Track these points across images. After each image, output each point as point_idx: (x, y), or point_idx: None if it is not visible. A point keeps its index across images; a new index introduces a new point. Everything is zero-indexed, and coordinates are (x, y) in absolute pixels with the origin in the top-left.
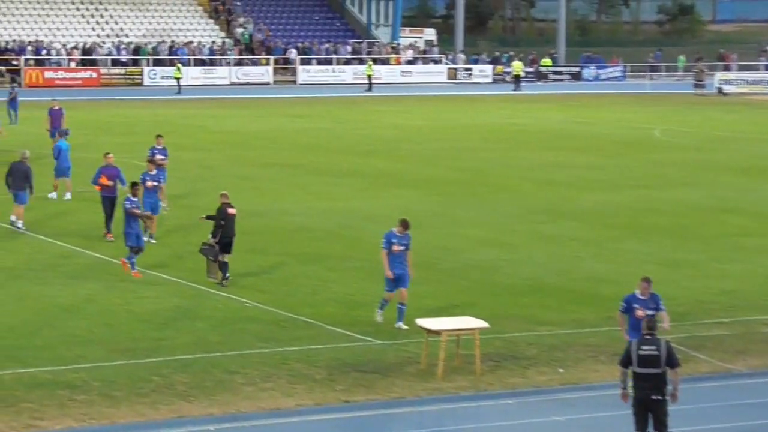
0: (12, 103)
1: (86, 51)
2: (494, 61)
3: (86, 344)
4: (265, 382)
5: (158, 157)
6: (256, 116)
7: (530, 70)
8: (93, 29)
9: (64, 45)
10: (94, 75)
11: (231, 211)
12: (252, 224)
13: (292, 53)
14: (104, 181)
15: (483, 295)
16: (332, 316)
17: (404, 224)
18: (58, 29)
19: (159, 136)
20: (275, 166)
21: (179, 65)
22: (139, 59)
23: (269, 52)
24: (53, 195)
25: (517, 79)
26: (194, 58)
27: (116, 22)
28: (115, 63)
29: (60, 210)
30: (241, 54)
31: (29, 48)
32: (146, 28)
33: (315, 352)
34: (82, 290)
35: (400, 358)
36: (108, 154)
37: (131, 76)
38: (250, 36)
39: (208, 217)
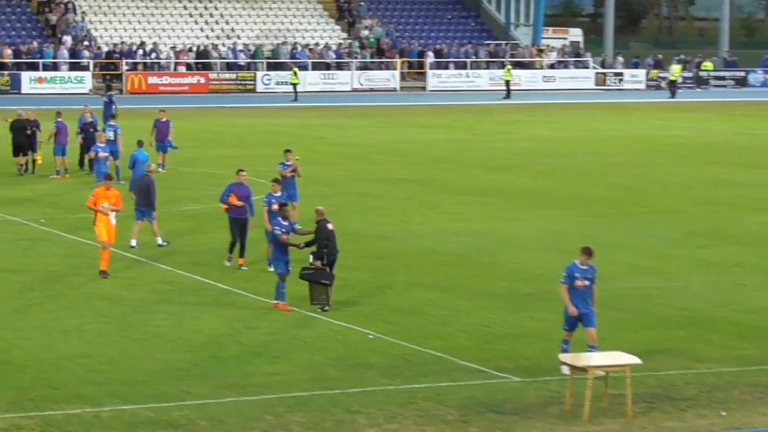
0: (107, 111)
1: (199, 54)
2: (656, 65)
3: (192, 379)
4: (389, 422)
5: (288, 172)
6: (381, 126)
7: (688, 74)
8: (201, 30)
9: (173, 47)
10: (203, 80)
11: (331, 227)
12: (375, 247)
13: (430, 56)
14: (233, 200)
15: (635, 328)
16: (465, 349)
17: (588, 252)
18: (164, 30)
19: (288, 150)
20: (402, 182)
21: (296, 69)
22: (255, 63)
23: (403, 55)
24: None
25: (673, 84)
26: (313, 62)
27: (227, 22)
28: (229, 67)
29: (165, 231)
30: (369, 57)
31: (140, 52)
32: (260, 29)
33: (446, 390)
34: (187, 320)
35: (541, 398)
36: (241, 171)
37: (243, 82)
38: (378, 39)
39: (309, 244)
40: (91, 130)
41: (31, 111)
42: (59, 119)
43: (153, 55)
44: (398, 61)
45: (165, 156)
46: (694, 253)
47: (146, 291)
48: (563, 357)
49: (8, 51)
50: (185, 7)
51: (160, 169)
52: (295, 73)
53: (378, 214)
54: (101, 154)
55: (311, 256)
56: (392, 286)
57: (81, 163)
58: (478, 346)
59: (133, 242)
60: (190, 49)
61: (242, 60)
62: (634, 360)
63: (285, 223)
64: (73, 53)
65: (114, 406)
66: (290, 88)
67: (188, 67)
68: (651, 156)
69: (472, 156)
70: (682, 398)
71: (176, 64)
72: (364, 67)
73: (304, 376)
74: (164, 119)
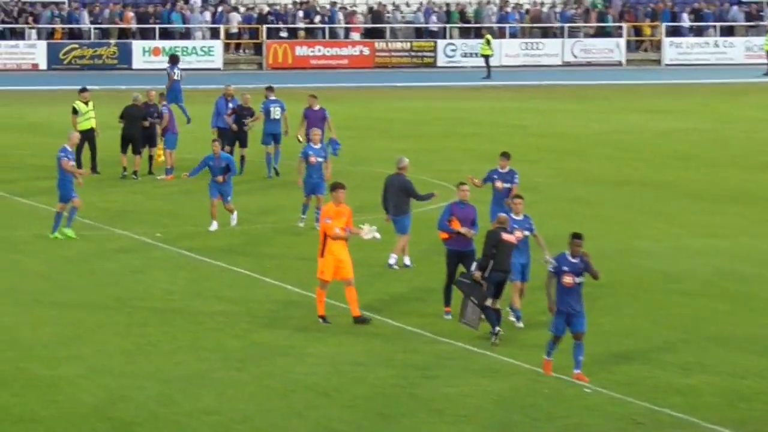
0: (172, 91)
1: (374, 16)
2: None
3: None
4: None
5: (501, 184)
6: (601, 112)
7: None
8: None
9: (343, 8)
10: (367, 51)
11: (507, 237)
12: None
13: (684, 19)
14: (456, 225)
15: None
16: (713, 408)
17: None
18: None
19: (504, 154)
20: (628, 184)
21: (489, 37)
22: (445, 29)
23: (655, 18)
24: (213, 226)
25: None
26: (512, 27)
27: None
28: (419, 34)
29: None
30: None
31: (299, 14)
32: None
33: None
34: (346, 366)
35: None
36: (462, 185)
37: (420, 53)
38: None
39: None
40: (249, 118)
41: (154, 92)
42: (165, 103)
43: (318, 18)
44: (624, 25)
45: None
46: None
47: (292, 327)
48: None
49: (130, 14)
50: None
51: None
52: (488, 42)
53: (596, 226)
54: (313, 159)
55: (474, 264)
56: (615, 324)
57: None
58: (730, 403)
59: (392, 259)
60: (371, 10)
61: (434, 24)
62: None
63: (574, 261)
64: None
65: None
66: (481, 62)
67: (366, 33)
68: None
69: (722, 151)
70: None
71: (348, 30)
72: (581, 34)
73: None
74: (317, 107)
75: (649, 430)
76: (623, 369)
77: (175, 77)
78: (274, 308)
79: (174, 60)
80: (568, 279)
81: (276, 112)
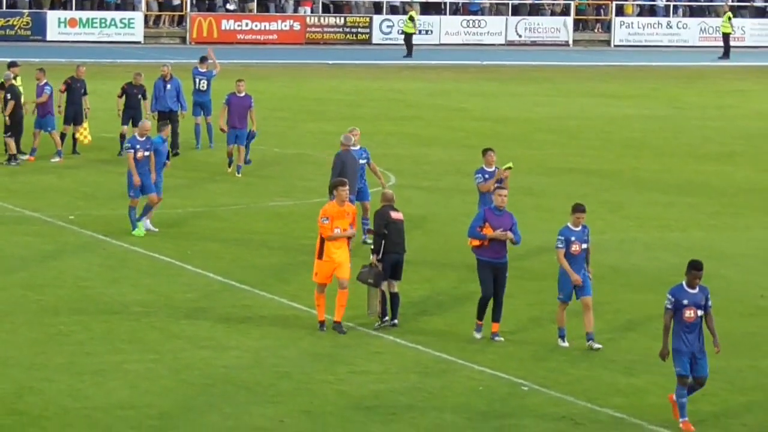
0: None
1: None
2: None
3: None
4: None
5: (491, 184)
6: (547, 95)
7: None
8: None
9: None
10: (297, 26)
11: (396, 215)
12: (535, 264)
13: None
14: (489, 231)
15: None
16: (656, 409)
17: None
18: None
19: (489, 150)
20: (574, 173)
21: (413, 13)
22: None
23: None
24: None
25: None
26: (452, 3)
27: None
28: (337, 8)
29: (246, 232)
30: None
31: None
32: None
33: None
34: (269, 358)
35: None
36: (500, 189)
37: (353, 29)
38: None
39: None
40: (140, 96)
41: (83, 67)
42: (46, 80)
43: None
44: (571, 2)
45: (243, 150)
46: None
47: (213, 318)
48: None
49: None
50: None
51: (237, 173)
52: (411, 18)
53: (539, 217)
54: None
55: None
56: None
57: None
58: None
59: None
60: None
61: None
62: None
63: (693, 291)
64: None
65: None
66: (415, 40)
67: (328, 6)
68: None
69: (674, 139)
70: None
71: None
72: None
73: None
74: (242, 93)
75: (589, 431)
76: (562, 366)
77: None
78: (195, 298)
79: None
80: (689, 313)
81: (202, 84)
